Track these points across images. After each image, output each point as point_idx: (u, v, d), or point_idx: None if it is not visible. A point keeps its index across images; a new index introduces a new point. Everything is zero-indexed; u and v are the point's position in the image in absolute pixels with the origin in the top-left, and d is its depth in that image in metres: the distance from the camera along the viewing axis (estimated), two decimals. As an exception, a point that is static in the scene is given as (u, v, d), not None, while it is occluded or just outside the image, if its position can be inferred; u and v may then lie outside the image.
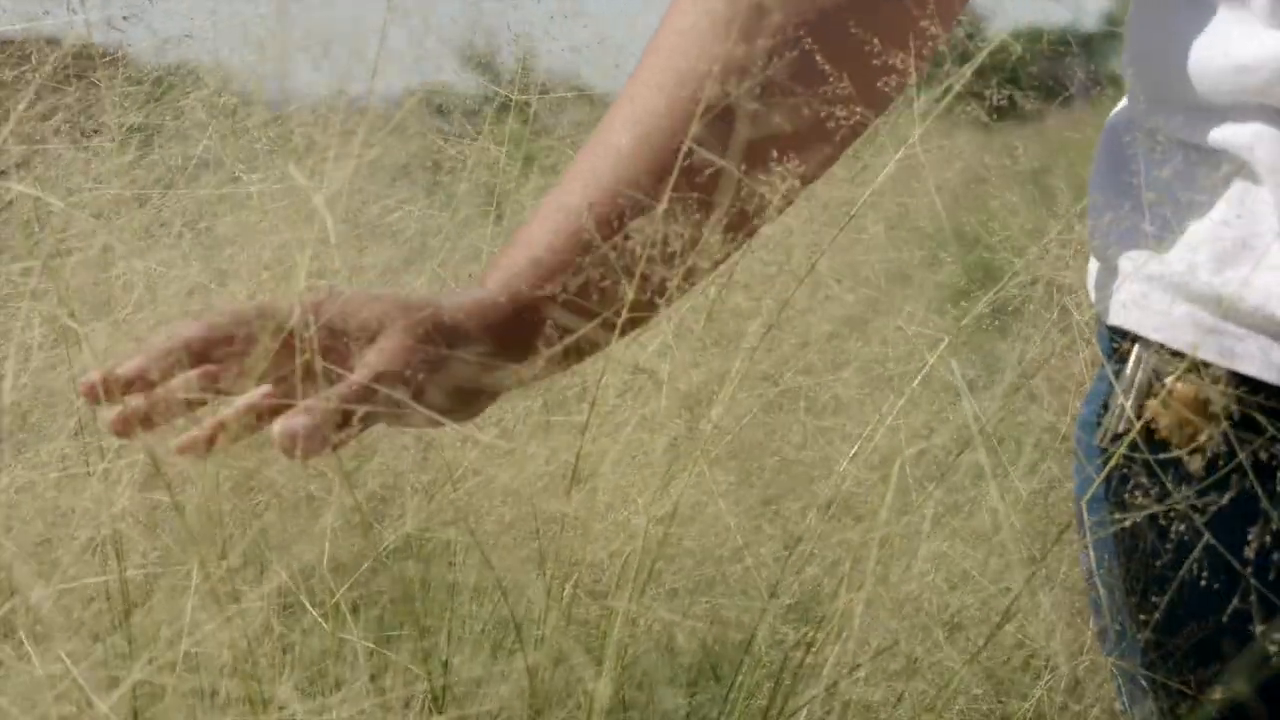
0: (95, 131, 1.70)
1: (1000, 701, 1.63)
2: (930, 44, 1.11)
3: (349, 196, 1.78)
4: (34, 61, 1.67)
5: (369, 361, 1.00)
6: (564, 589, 1.16)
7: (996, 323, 1.91)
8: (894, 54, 1.09)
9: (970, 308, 1.83)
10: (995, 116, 2.39)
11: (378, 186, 1.88)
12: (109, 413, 0.99)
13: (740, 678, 1.54)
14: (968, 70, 1.79)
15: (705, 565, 1.53)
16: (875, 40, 1.08)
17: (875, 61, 1.08)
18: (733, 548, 1.50)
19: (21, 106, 1.66)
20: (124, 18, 1.62)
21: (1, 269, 1.54)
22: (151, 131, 1.74)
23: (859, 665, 1.54)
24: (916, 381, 1.72)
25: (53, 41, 1.75)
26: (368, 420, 0.99)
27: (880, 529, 1.55)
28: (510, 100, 1.88)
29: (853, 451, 1.70)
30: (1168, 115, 1.09)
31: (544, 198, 1.08)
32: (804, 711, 1.49)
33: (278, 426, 0.95)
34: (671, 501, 1.20)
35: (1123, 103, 1.18)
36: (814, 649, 1.46)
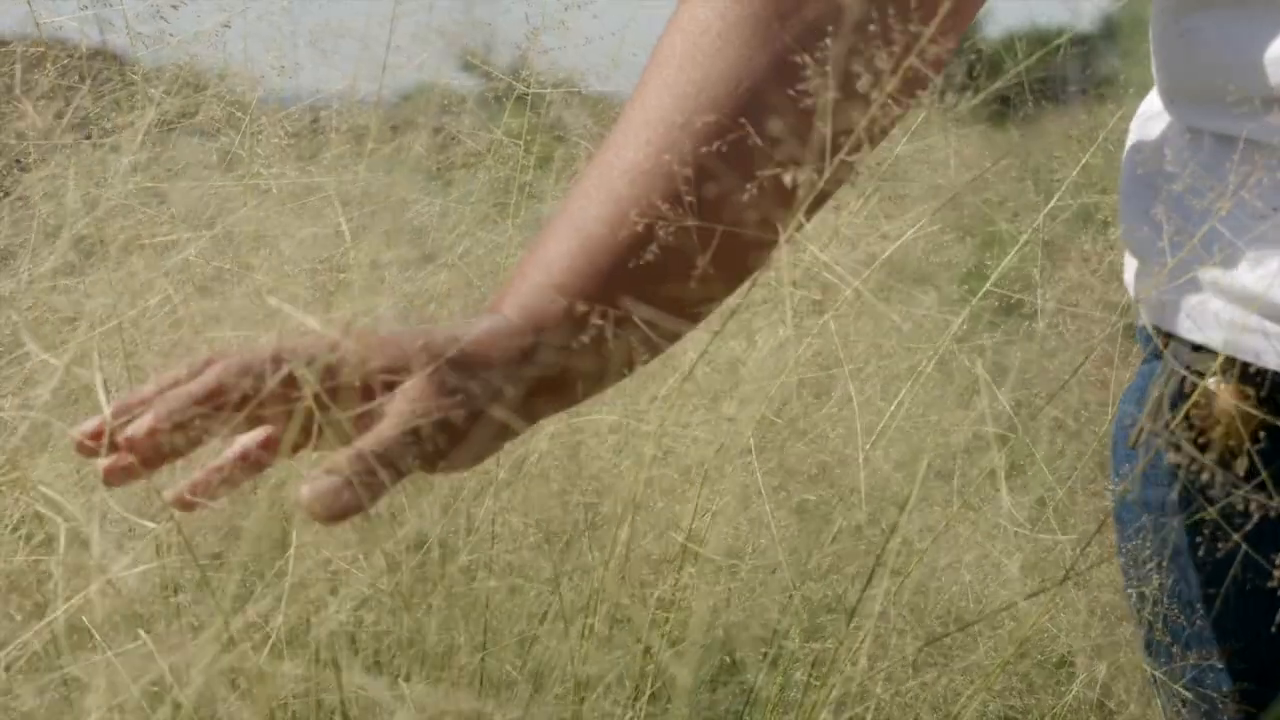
0: (113, 129, 1.70)
1: (1034, 698, 1.63)
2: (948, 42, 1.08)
3: (363, 192, 1.78)
4: (66, 60, 1.67)
5: (397, 410, 0.93)
6: (620, 574, 1.15)
7: (1025, 325, 1.92)
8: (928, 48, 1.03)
9: (980, 291, 1.84)
10: (997, 115, 2.41)
11: (392, 181, 1.87)
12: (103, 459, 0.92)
13: (764, 671, 1.55)
14: (999, 84, 1.80)
15: (736, 559, 1.53)
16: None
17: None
18: (768, 537, 1.50)
19: (38, 104, 1.65)
20: (173, 6, 1.61)
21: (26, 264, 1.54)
22: (168, 128, 1.73)
23: (887, 663, 1.54)
24: (930, 365, 1.73)
25: (63, 41, 1.75)
26: (400, 473, 0.92)
27: (905, 524, 1.55)
28: (523, 95, 1.88)
29: (870, 443, 1.71)
30: (1198, 109, 1.07)
31: (557, 215, 1.03)
32: (829, 705, 1.49)
33: (306, 490, 0.89)
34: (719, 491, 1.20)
35: (1149, 97, 1.16)
36: (842, 643, 1.46)
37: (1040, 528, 1.70)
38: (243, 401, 0.91)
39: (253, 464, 0.94)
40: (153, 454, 0.91)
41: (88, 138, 1.67)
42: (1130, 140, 1.16)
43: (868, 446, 1.70)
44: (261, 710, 0.77)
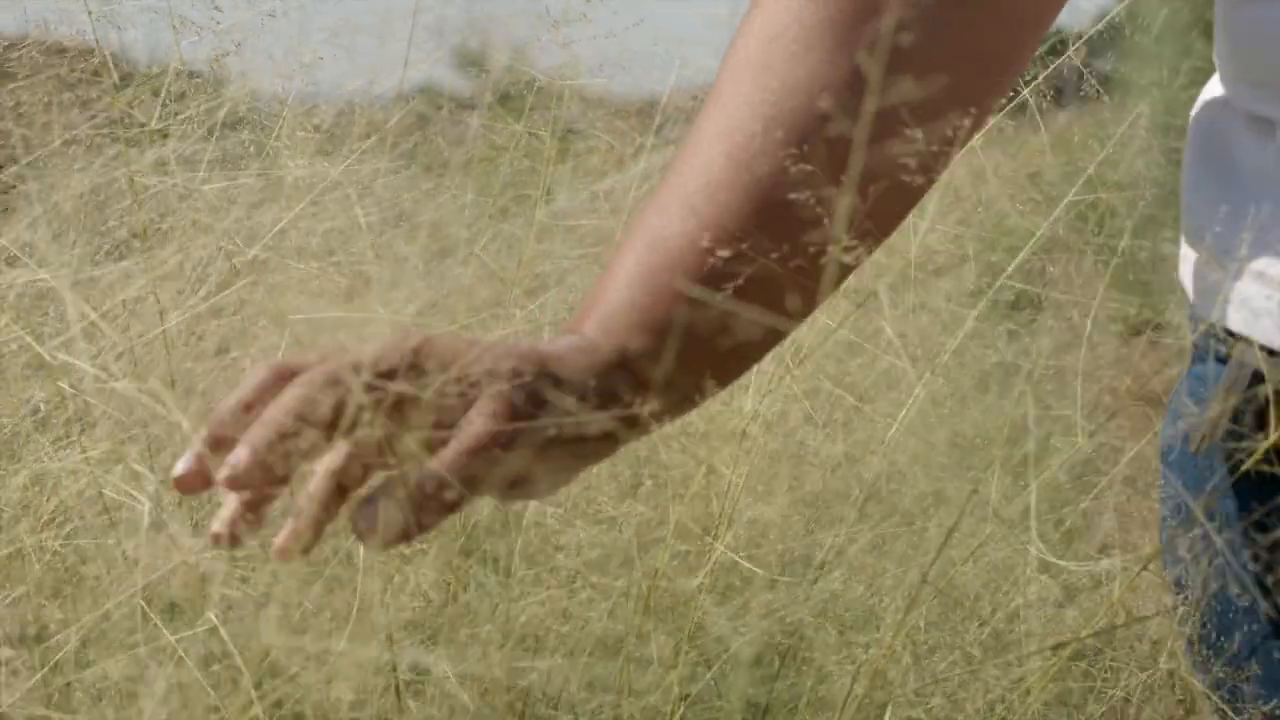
0: (133, 126, 1.71)
1: (1071, 707, 1.63)
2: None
3: (384, 186, 1.78)
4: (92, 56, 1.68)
5: (471, 428, 0.87)
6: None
7: (1030, 320, 1.93)
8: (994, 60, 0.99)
9: (995, 285, 1.85)
10: (1006, 113, 2.41)
11: (412, 175, 1.88)
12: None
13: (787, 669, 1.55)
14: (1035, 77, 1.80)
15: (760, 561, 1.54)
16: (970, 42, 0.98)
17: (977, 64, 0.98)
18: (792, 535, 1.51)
19: (65, 98, 1.66)
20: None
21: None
22: (188, 125, 1.74)
23: (913, 676, 1.54)
24: (946, 357, 1.73)
25: (61, 42, 1.76)
26: (466, 496, 0.87)
27: (921, 524, 1.56)
28: (541, 89, 1.88)
29: (886, 437, 1.71)
30: (1273, 100, 1.04)
31: (633, 230, 0.98)
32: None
33: (359, 517, 0.84)
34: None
35: (1210, 84, 1.13)
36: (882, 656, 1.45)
37: (1058, 532, 1.71)
38: (333, 411, 0.86)
39: (341, 490, 0.87)
40: (258, 489, 0.85)
41: (113, 134, 1.68)
42: (1192, 129, 1.12)
43: (884, 439, 1.71)
44: (338, 687, 0.78)
